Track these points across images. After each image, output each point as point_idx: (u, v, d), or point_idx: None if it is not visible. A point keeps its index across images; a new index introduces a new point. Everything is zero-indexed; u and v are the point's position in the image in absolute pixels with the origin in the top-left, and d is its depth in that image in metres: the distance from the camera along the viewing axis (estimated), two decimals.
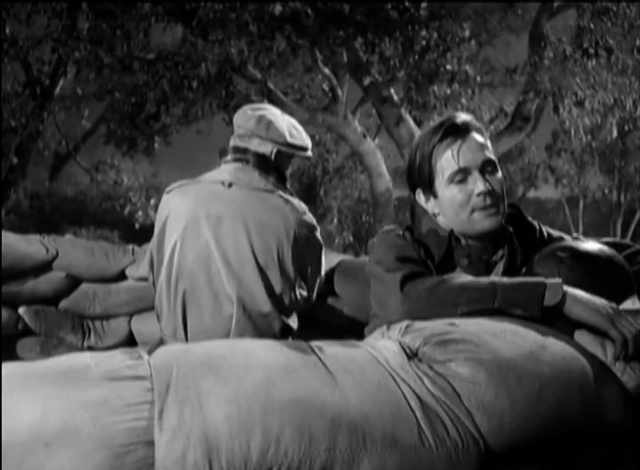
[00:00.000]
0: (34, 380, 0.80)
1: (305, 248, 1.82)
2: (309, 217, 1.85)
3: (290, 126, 1.89)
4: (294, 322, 1.85)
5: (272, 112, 1.90)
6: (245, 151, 1.85)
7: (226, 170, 1.84)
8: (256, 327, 1.75)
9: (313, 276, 1.91)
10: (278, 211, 1.78)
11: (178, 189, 1.85)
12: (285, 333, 1.79)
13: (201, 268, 1.75)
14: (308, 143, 1.94)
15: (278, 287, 1.76)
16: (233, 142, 1.90)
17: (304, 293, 1.85)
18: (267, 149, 1.84)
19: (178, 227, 1.78)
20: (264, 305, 1.75)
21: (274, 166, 1.85)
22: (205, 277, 1.75)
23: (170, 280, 1.79)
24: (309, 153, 1.95)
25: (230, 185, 1.79)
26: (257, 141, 1.84)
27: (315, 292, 1.95)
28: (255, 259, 1.74)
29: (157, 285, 1.86)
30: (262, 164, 1.83)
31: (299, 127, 1.95)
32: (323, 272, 2.00)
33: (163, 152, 10.42)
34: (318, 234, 1.89)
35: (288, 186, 1.92)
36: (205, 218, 1.76)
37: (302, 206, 1.86)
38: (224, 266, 1.74)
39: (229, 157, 1.88)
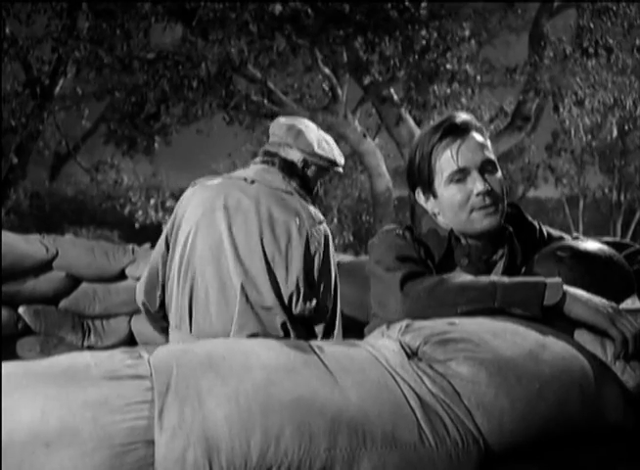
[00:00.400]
0: (34, 379, 0.80)
1: (316, 257, 1.81)
2: (325, 228, 1.86)
3: (320, 139, 1.93)
4: (296, 327, 1.81)
5: (305, 123, 1.96)
6: (274, 155, 1.91)
7: (252, 170, 1.90)
8: (259, 320, 1.75)
9: (324, 289, 1.85)
10: (293, 211, 1.81)
11: (202, 183, 1.91)
12: (287, 333, 1.79)
13: (211, 257, 1.78)
14: (339, 158, 1.96)
15: (283, 283, 1.77)
16: (265, 147, 1.97)
17: (313, 303, 1.81)
18: (295, 156, 1.89)
19: (195, 215, 1.83)
20: (268, 297, 1.75)
21: (299, 174, 1.89)
22: (214, 266, 1.78)
23: (181, 267, 1.83)
24: (339, 168, 1.97)
25: (252, 182, 1.85)
26: (287, 148, 1.90)
27: (333, 315, 1.87)
28: (264, 252, 1.76)
29: (169, 272, 1.89)
30: (288, 168, 1.88)
31: (332, 143, 1.98)
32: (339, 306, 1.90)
33: (163, 152, 10.45)
34: (332, 250, 1.87)
35: (312, 200, 1.93)
36: (222, 209, 1.80)
37: (320, 216, 1.87)
38: (233, 256, 1.76)
39: (258, 159, 1.94)
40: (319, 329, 1.82)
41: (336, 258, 1.91)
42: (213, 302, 1.78)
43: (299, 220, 1.79)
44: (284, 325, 1.76)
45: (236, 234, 1.78)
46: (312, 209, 1.87)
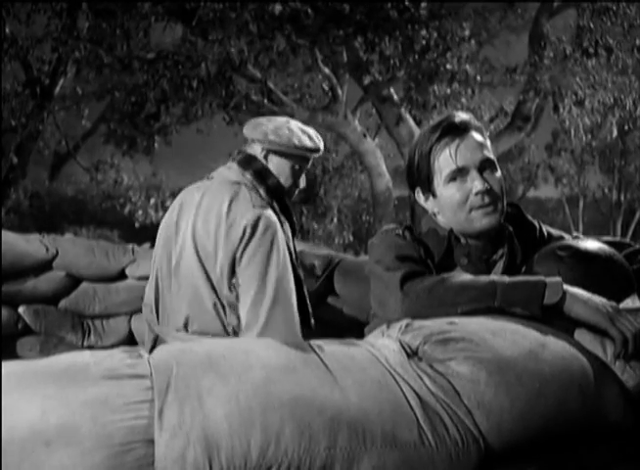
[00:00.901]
0: (34, 379, 0.80)
1: (241, 241, 1.74)
2: (261, 213, 1.76)
3: (280, 127, 1.90)
4: (228, 311, 1.76)
5: (270, 118, 1.97)
6: (242, 153, 1.95)
7: (218, 169, 1.96)
8: (190, 304, 1.79)
9: (250, 276, 1.73)
10: (228, 197, 1.80)
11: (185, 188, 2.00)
12: (220, 316, 1.77)
13: (165, 252, 1.89)
14: (300, 142, 1.88)
15: (212, 266, 1.77)
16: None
17: (237, 288, 1.75)
18: (255, 150, 1.92)
19: (164, 218, 1.97)
20: (197, 280, 1.78)
21: (259, 167, 1.89)
22: (166, 259, 1.88)
23: (152, 264, 1.96)
24: (310, 153, 1.91)
25: (211, 178, 1.92)
26: (250, 143, 1.94)
27: (273, 306, 1.73)
28: (193, 236, 1.80)
29: None
30: (245, 162, 1.90)
31: (295, 128, 1.92)
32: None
33: (163, 151, 10.44)
34: (271, 237, 1.75)
35: (267, 189, 1.87)
36: (178, 206, 1.90)
37: (261, 202, 1.80)
38: (176, 249, 1.85)
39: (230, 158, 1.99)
40: (246, 318, 1.73)
41: (281, 246, 1.77)
42: (167, 292, 1.87)
43: (231, 204, 1.78)
44: (215, 306, 1.77)
45: (179, 226, 1.87)
46: (255, 196, 1.81)
